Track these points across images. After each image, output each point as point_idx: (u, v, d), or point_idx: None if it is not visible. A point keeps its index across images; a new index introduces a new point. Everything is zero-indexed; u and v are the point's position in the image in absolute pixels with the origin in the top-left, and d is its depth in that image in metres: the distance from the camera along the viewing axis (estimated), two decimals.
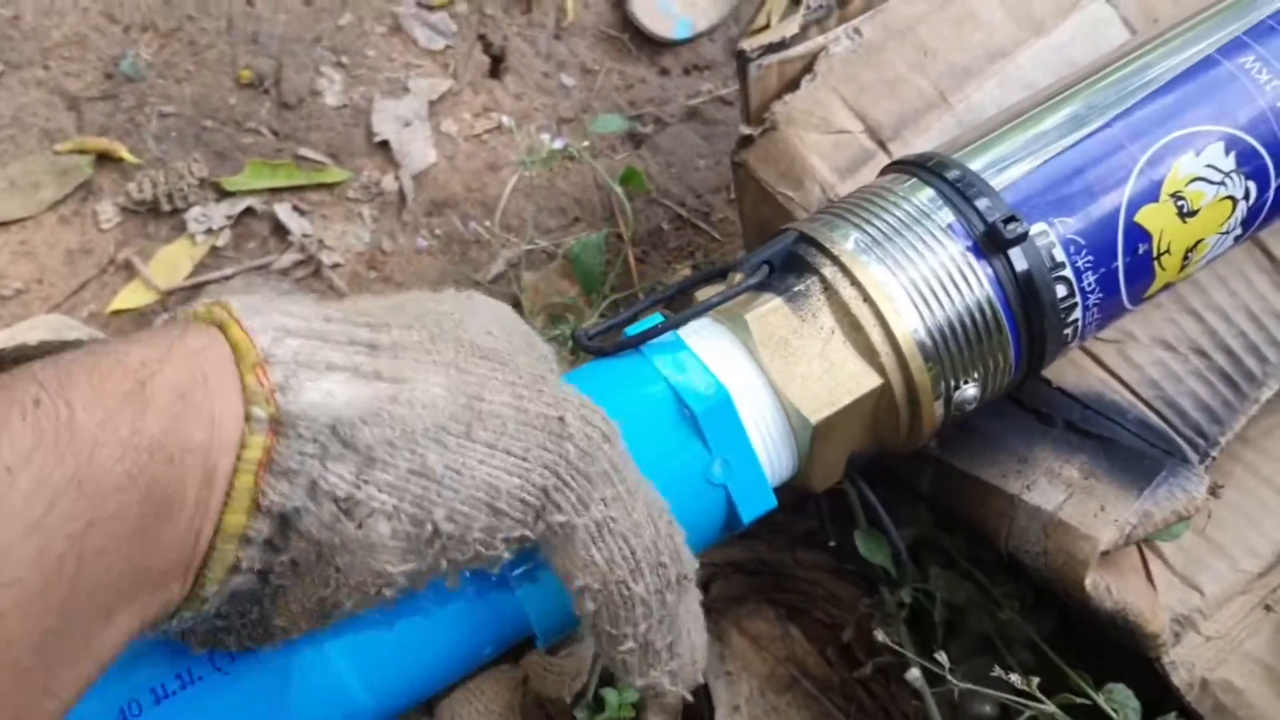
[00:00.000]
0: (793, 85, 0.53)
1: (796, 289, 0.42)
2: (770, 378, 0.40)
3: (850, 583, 0.56)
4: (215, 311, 0.30)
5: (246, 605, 0.30)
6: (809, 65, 0.54)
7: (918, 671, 0.47)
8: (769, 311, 0.41)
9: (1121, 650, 0.49)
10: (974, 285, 0.41)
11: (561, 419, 0.31)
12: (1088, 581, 0.45)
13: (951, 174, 0.43)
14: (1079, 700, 0.45)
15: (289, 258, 0.70)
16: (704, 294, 0.44)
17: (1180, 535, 0.47)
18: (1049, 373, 0.49)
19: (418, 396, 0.29)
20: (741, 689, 0.54)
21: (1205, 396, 0.50)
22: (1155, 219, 0.44)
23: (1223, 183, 0.45)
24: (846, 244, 0.42)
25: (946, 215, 0.42)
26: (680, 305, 0.44)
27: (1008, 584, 0.51)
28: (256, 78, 0.75)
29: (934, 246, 0.41)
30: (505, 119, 0.76)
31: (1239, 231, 0.47)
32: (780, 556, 0.58)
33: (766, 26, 0.78)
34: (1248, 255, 0.52)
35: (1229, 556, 0.49)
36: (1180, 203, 0.44)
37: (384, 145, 0.74)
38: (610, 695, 0.50)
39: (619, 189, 0.70)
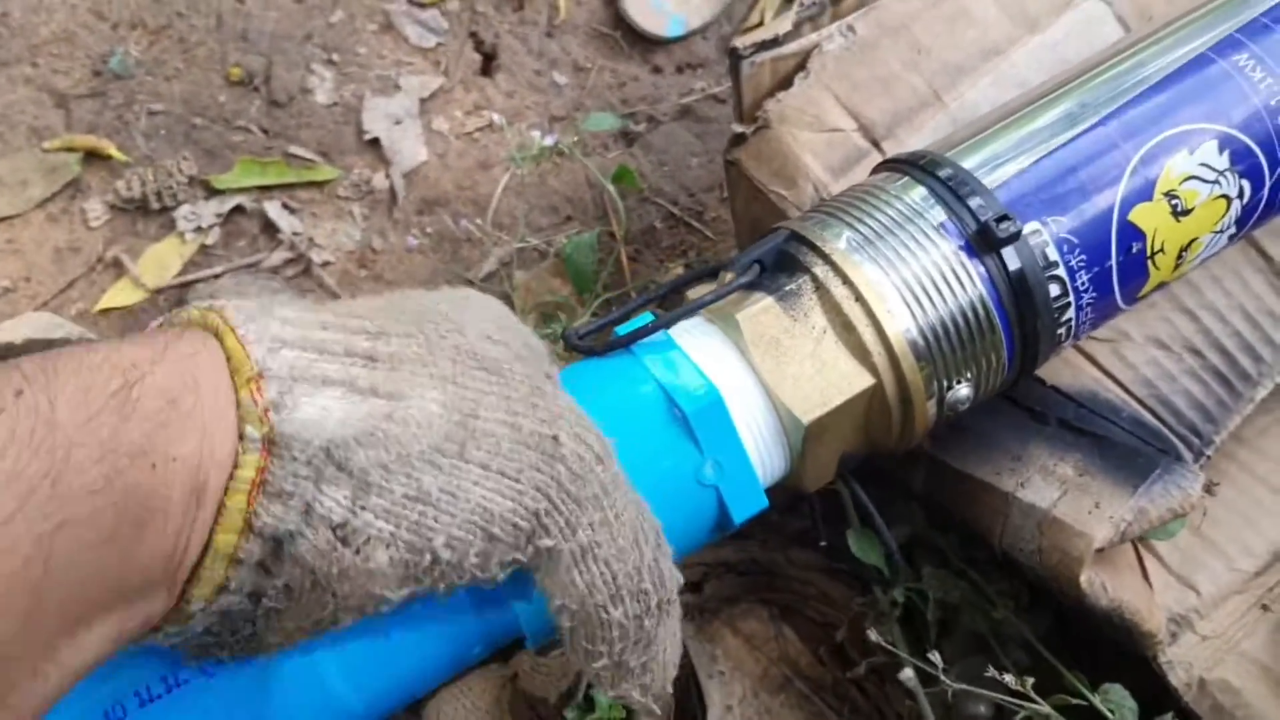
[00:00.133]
0: (786, 83, 0.53)
1: (788, 288, 0.41)
2: (762, 378, 0.40)
3: (843, 582, 0.56)
4: (210, 317, 0.29)
5: (239, 624, 0.30)
6: (802, 63, 0.53)
7: (911, 672, 0.47)
8: (760, 311, 0.41)
9: (1118, 650, 0.49)
10: (966, 284, 0.41)
11: (555, 438, 0.31)
12: (1083, 579, 0.45)
13: (944, 172, 0.43)
14: (1074, 701, 0.45)
15: (279, 256, 0.70)
16: (695, 293, 0.44)
17: (1176, 534, 0.47)
18: (1042, 371, 0.49)
19: (413, 415, 0.29)
20: (734, 689, 0.54)
21: (1200, 395, 0.50)
22: (1149, 218, 0.43)
23: (1217, 181, 0.44)
24: (838, 243, 0.41)
25: (939, 214, 0.42)
26: (672, 304, 0.43)
27: (1002, 583, 0.51)
28: (246, 75, 0.75)
29: (926, 245, 0.41)
30: (497, 117, 0.75)
31: (1233, 230, 0.46)
32: (773, 556, 0.57)
33: (760, 24, 0.78)
34: (1242, 254, 0.52)
35: (1225, 556, 0.49)
36: (1174, 201, 0.44)
37: (375, 143, 0.74)
38: (600, 696, 0.50)
39: (611, 187, 0.69)
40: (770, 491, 0.41)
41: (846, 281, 0.41)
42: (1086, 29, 0.54)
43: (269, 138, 0.74)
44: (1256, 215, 0.47)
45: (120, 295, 0.68)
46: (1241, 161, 0.45)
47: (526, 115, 0.76)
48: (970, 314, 0.41)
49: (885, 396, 0.41)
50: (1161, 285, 0.46)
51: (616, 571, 0.32)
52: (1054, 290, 0.42)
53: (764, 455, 0.40)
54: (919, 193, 0.43)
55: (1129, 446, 0.47)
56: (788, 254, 0.43)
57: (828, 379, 0.40)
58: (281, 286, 0.68)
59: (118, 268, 0.69)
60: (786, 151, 0.52)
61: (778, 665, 0.55)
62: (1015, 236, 0.41)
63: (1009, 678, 0.44)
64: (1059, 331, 0.43)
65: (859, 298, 0.40)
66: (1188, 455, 0.48)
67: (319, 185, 0.73)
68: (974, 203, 0.41)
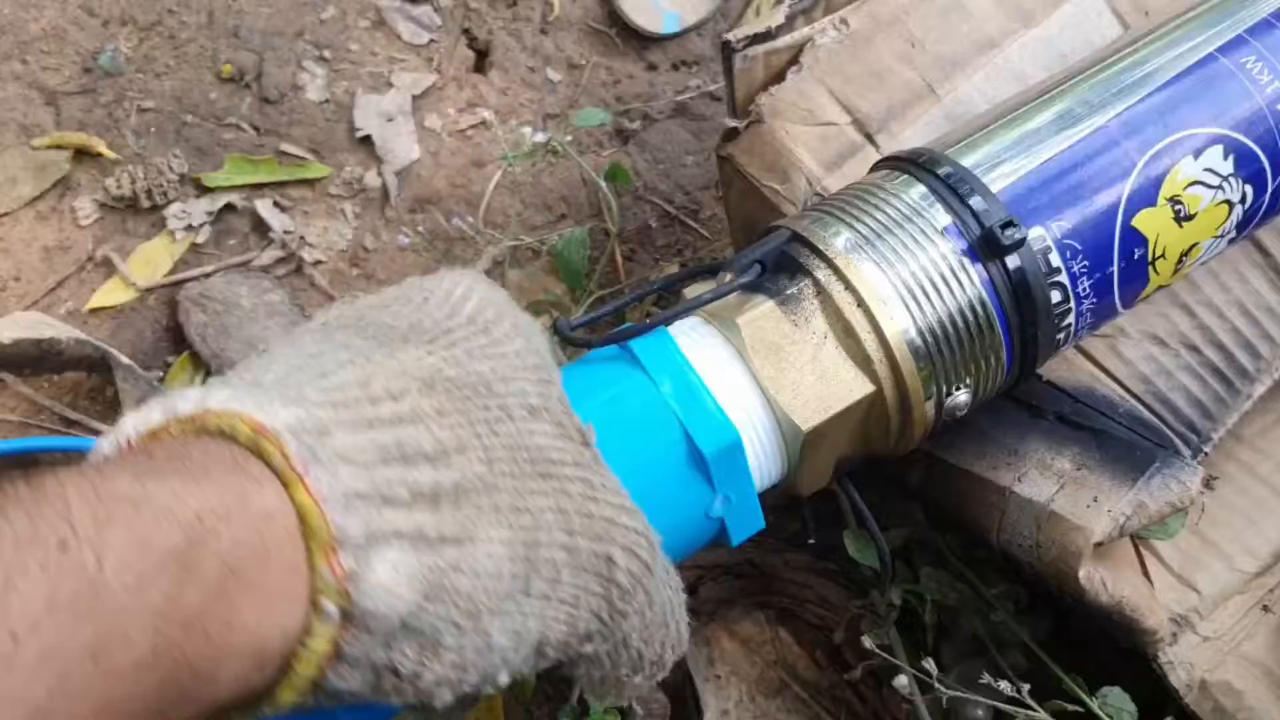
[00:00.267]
0: (779, 77, 0.53)
1: (789, 291, 0.41)
2: (761, 384, 0.39)
3: (840, 584, 0.56)
4: (265, 446, 0.26)
5: None
6: (795, 57, 0.53)
7: (905, 679, 0.47)
8: (761, 315, 0.40)
9: (1118, 651, 0.48)
10: (966, 285, 0.41)
11: (610, 558, 0.32)
12: (1081, 574, 0.44)
13: (943, 170, 0.42)
14: (1071, 708, 0.44)
15: (270, 255, 0.69)
16: (692, 291, 0.43)
17: (1176, 533, 0.46)
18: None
19: (481, 565, 0.28)
20: (731, 693, 0.53)
21: (1197, 392, 0.49)
22: (1152, 223, 0.43)
23: (1220, 186, 0.44)
24: (838, 243, 0.41)
25: (941, 215, 0.41)
26: (667, 301, 0.43)
27: (1001, 585, 0.50)
28: (237, 72, 0.74)
29: (925, 244, 0.41)
30: (490, 114, 0.75)
31: (1233, 235, 0.46)
32: (769, 559, 0.57)
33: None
34: (1241, 250, 0.51)
35: (1226, 556, 0.48)
36: (1178, 207, 0.43)
37: (366, 141, 0.73)
38: (595, 704, 0.50)
39: (604, 185, 0.69)
40: (764, 495, 0.40)
41: (848, 286, 0.40)
42: (1082, 22, 0.54)
43: (260, 135, 0.73)
44: (1256, 220, 0.46)
45: (110, 294, 0.68)
46: (1246, 166, 0.44)
47: (520, 113, 0.76)
48: (970, 314, 0.41)
49: (885, 402, 0.41)
50: (1160, 289, 0.46)
51: (644, 654, 0.34)
52: (1055, 296, 0.42)
53: (761, 461, 0.40)
54: (918, 190, 0.42)
55: (1127, 440, 0.47)
56: (788, 255, 0.42)
57: (828, 386, 0.40)
58: (273, 285, 0.68)
59: (108, 266, 0.69)
60: (780, 146, 0.51)
61: (774, 668, 0.54)
62: (1020, 243, 0.40)
63: (1004, 685, 0.43)
64: (1059, 336, 0.43)
65: (861, 303, 0.40)
66: (1186, 452, 0.48)
67: (310, 183, 0.72)
68: (975, 203, 0.41)
